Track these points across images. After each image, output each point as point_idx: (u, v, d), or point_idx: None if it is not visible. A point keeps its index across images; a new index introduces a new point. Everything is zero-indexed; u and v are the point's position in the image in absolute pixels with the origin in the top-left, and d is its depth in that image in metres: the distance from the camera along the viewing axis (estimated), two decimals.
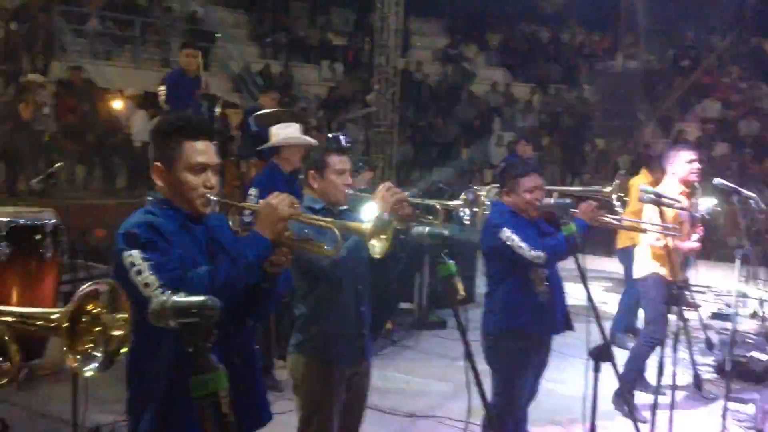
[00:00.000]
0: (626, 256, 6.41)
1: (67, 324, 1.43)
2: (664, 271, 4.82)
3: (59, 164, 4.72)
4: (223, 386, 1.30)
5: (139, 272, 2.01)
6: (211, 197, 2.20)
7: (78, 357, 1.48)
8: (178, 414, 2.09)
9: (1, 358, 1.65)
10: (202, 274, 2.06)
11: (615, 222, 3.99)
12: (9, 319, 1.63)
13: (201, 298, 1.35)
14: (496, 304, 3.59)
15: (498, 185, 3.80)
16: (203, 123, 2.47)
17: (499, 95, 16.56)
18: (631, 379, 4.84)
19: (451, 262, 2.10)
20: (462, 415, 4.66)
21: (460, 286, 2.11)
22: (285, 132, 5.02)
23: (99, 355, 1.50)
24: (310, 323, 2.98)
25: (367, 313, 3.07)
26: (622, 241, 6.52)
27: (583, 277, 3.07)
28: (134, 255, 2.03)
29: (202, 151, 2.20)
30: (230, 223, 2.32)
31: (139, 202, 2.48)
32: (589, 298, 3.08)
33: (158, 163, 2.21)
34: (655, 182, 5.84)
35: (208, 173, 2.20)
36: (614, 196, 3.80)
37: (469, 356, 2.15)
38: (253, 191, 4.84)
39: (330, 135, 6.51)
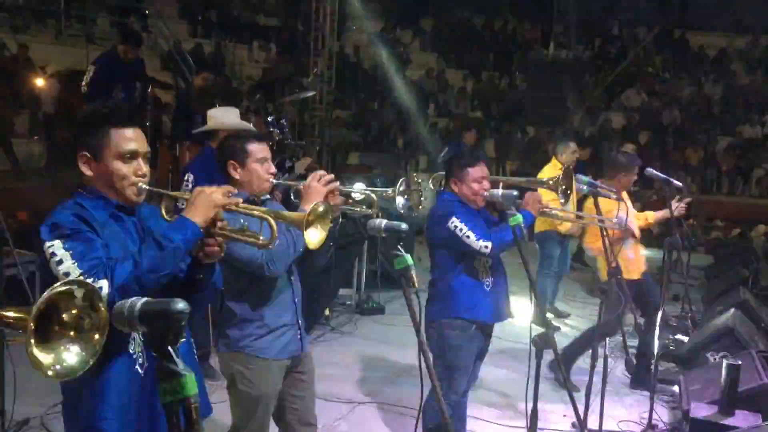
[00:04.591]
0: (543, 239, 6.70)
1: (33, 324, 1.36)
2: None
3: None
4: (194, 391, 1.26)
5: (60, 262, 1.95)
6: (143, 186, 2.14)
7: (47, 357, 1.41)
8: (110, 413, 2.04)
9: None
10: (126, 261, 2.00)
11: (559, 214, 4.08)
12: None
13: (169, 301, 1.30)
14: (441, 292, 3.63)
15: (443, 173, 3.83)
16: (131, 109, 2.37)
17: (433, 81, 16.65)
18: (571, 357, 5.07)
19: (407, 255, 2.11)
20: (401, 400, 4.76)
21: (415, 278, 2.12)
22: (223, 116, 4.91)
23: (73, 356, 1.44)
24: (244, 321, 2.90)
25: (299, 303, 3.03)
26: (539, 225, 6.73)
27: (526, 266, 3.14)
28: (55, 245, 1.97)
29: (132, 138, 2.13)
30: (163, 211, 2.25)
31: (60, 185, 2.38)
32: (532, 287, 3.15)
33: (85, 152, 2.13)
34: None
35: (139, 161, 2.14)
36: (559, 188, 3.87)
37: (422, 349, 2.16)
38: (188, 177, 4.72)
39: (269, 119, 6.42)
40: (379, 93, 14.97)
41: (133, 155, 2.12)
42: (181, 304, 1.29)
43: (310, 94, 8.34)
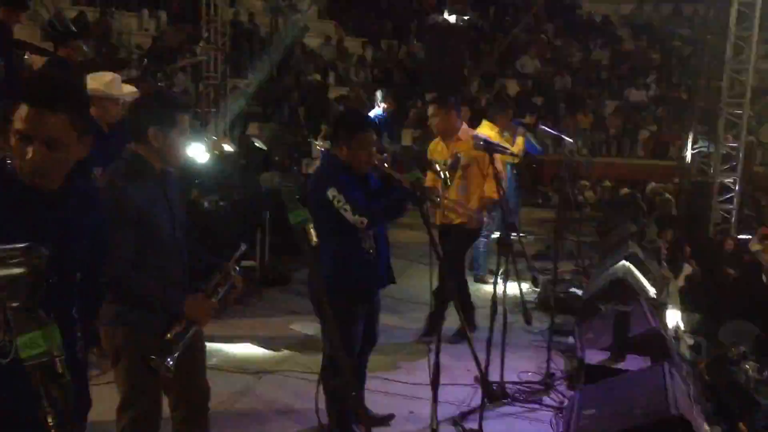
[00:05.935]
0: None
1: None
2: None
3: None
4: (58, 343, 1.15)
5: None
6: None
7: None
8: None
9: None
10: None
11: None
12: None
13: (24, 245, 1.18)
14: (325, 260, 3.52)
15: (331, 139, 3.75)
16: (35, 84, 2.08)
17: (331, 49, 16.46)
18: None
19: (304, 209, 2.04)
20: (308, 367, 4.73)
21: (312, 233, 2.05)
22: (101, 81, 4.60)
23: None
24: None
25: (188, 277, 2.85)
26: None
27: (428, 226, 3.14)
28: None
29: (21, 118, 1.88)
30: None
31: None
32: (433, 245, 3.17)
33: None
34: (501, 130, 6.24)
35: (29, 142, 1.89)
36: (442, 172, 3.91)
37: (320, 300, 2.12)
38: None
39: (159, 86, 6.12)
40: (276, 62, 14.63)
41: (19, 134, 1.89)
42: (37, 247, 1.18)
43: (201, 59, 8.02)
